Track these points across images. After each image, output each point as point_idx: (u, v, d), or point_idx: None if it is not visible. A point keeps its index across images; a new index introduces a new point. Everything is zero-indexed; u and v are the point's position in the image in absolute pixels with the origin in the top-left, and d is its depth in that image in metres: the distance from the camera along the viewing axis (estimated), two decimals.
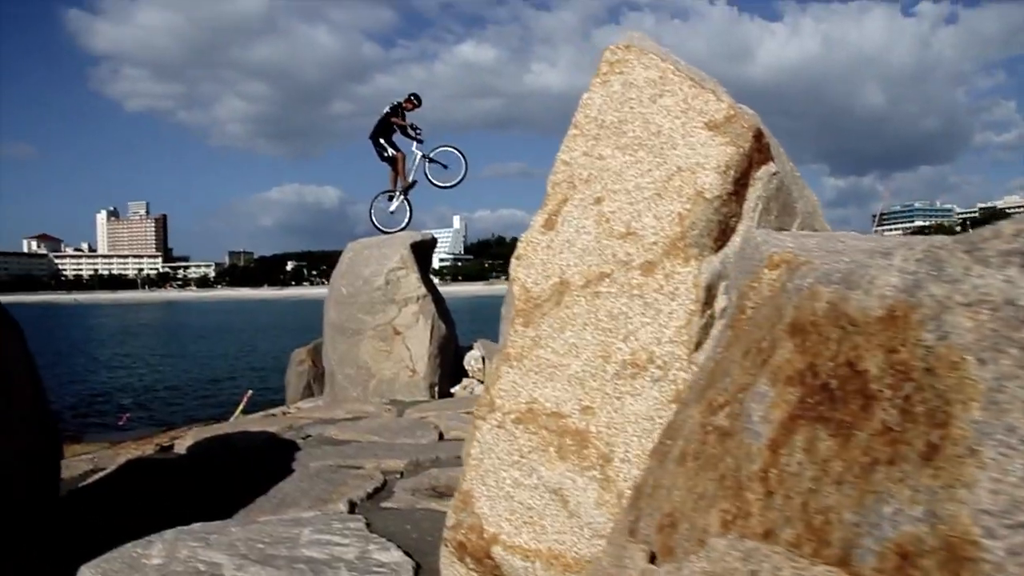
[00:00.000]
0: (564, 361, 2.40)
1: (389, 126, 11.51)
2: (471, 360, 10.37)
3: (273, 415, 9.20)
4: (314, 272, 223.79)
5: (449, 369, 10.05)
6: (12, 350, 3.66)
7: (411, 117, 11.66)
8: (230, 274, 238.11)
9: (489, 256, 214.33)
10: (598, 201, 2.48)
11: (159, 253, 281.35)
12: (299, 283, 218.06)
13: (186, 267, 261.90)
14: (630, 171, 2.45)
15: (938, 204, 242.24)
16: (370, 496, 4.81)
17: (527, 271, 2.62)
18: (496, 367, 2.61)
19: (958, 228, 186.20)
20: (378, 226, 11.63)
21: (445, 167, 11.55)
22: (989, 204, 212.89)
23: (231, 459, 5.90)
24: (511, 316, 2.60)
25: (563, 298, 2.45)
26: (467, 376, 10.29)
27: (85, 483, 5.63)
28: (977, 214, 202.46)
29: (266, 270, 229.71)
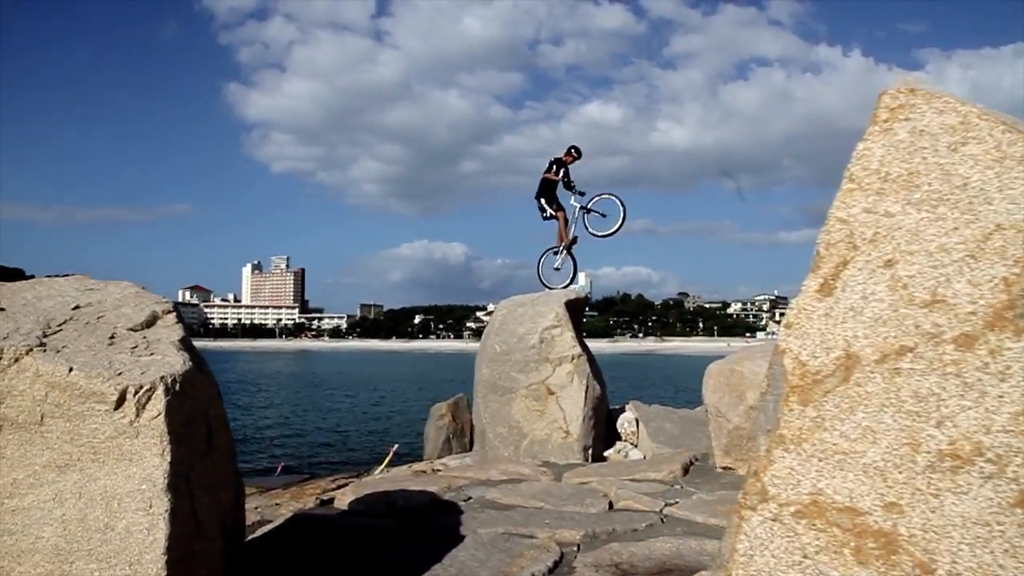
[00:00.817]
0: (857, 448, 2.07)
1: (550, 184, 11.46)
2: (624, 423, 9.99)
3: (424, 472, 9.13)
4: (440, 325, 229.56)
5: (602, 431, 9.71)
6: (218, 404, 3.70)
7: (573, 170, 11.65)
8: (360, 325, 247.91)
9: (614, 313, 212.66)
10: (889, 264, 2.17)
11: (296, 304, 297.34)
12: (426, 336, 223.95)
13: (320, 318, 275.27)
14: (929, 230, 2.13)
15: None
16: (550, 572, 4.54)
17: (801, 342, 2.33)
18: (768, 450, 2.30)
19: None
20: (544, 282, 11.67)
21: (603, 216, 11.29)
22: None
23: (396, 520, 5.80)
24: (782, 392, 2.30)
25: (851, 374, 2.14)
26: (620, 439, 9.90)
27: (255, 535, 5.66)
28: None
29: (394, 323, 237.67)
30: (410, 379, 58.49)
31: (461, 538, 5.17)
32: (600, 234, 11.31)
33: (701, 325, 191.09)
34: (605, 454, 9.57)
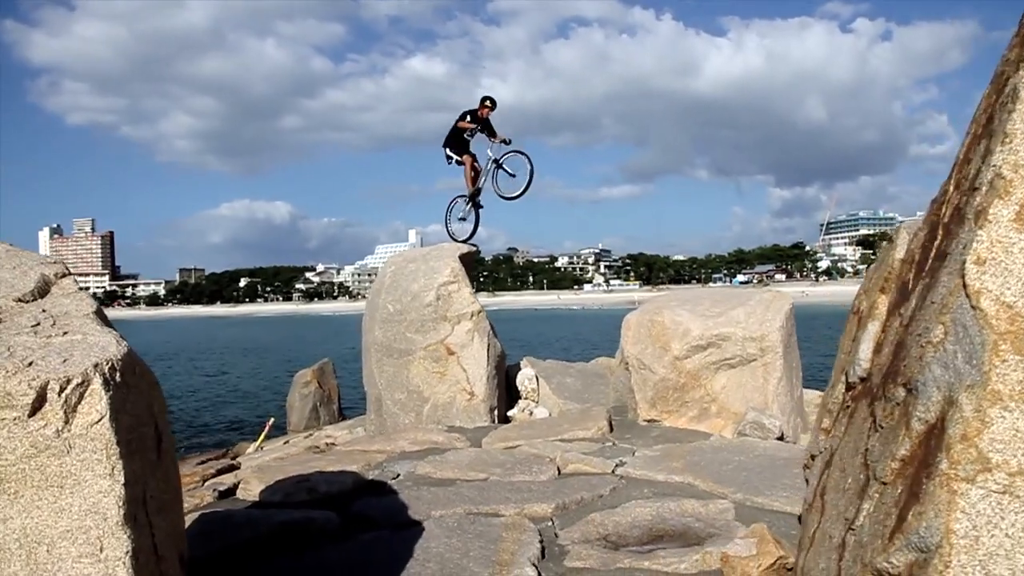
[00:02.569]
0: None
1: (459, 131, 10.52)
2: (524, 380, 9.56)
3: (320, 448, 8.25)
4: (268, 288, 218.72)
5: (504, 391, 9.25)
6: (159, 393, 2.79)
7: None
8: (181, 291, 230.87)
9: None
10: None
11: (106, 271, 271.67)
12: (252, 299, 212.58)
13: (135, 285, 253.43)
14: None
15: (881, 213, 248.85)
16: (542, 553, 4.02)
17: (1002, 279, 1.90)
18: (979, 409, 1.86)
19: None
20: (449, 232, 10.81)
21: (512, 176, 10.19)
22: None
23: (328, 509, 5.01)
24: (983, 341, 1.87)
25: None
26: (520, 398, 9.48)
27: None
28: None
29: (218, 287, 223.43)
30: (248, 344, 55.21)
31: (419, 525, 4.50)
32: (506, 195, 10.30)
33: (531, 279, 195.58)
34: (509, 414, 9.13)
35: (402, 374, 8.72)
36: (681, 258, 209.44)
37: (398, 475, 5.92)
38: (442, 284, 8.92)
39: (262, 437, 11.12)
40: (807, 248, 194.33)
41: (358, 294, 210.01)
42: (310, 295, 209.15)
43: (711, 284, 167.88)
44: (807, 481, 3.60)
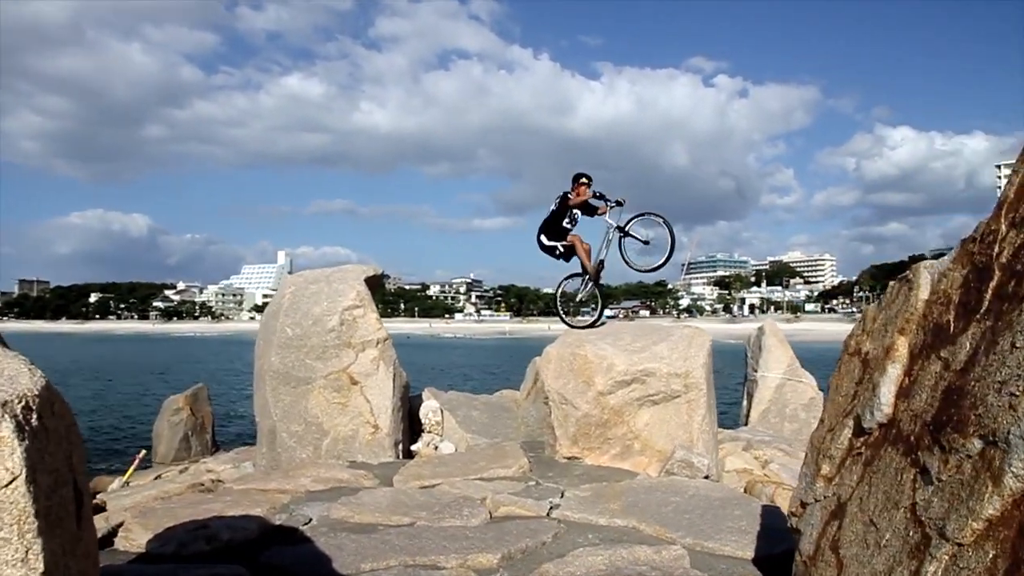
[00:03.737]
0: None
1: (557, 220, 8.47)
2: (428, 412, 9.05)
3: (204, 486, 7.38)
4: (121, 305, 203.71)
5: (407, 424, 8.71)
6: (77, 439, 2.19)
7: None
8: (20, 304, 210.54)
9: None
10: None
11: None
12: (104, 316, 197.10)
13: None
14: None
15: (736, 256, 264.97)
16: None
17: None
18: None
19: (752, 278, 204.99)
20: (564, 319, 8.79)
21: (646, 243, 8.20)
22: (776, 258, 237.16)
23: (239, 563, 4.35)
24: None
25: None
26: (424, 431, 8.96)
27: None
28: (768, 266, 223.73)
29: (64, 301, 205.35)
30: (99, 365, 50.76)
31: None
32: (644, 268, 8.48)
33: (403, 306, 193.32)
34: (412, 448, 8.58)
35: (300, 404, 8.01)
36: (550, 291, 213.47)
37: (310, 519, 5.28)
38: (347, 308, 8.32)
39: (131, 471, 9.94)
40: (670, 286, 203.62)
41: (222, 315, 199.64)
42: (169, 314, 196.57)
43: (579, 318, 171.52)
44: (796, 529, 3.38)
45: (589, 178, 8.43)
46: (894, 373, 2.77)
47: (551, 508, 5.42)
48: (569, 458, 7.13)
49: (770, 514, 5.28)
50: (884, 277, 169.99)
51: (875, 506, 2.63)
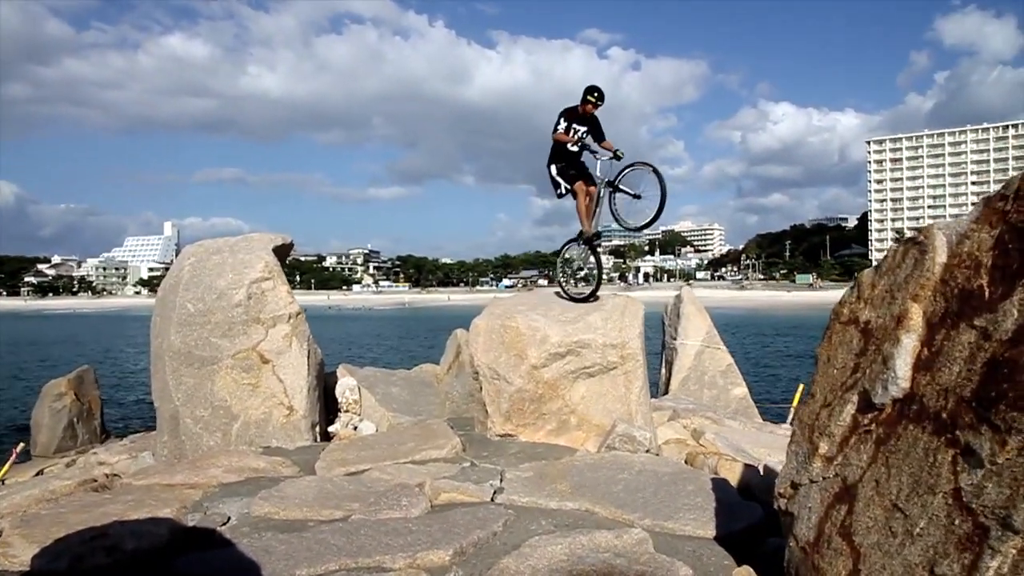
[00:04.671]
0: None
1: (562, 147, 7.53)
2: (344, 390, 8.51)
3: (98, 482, 6.60)
4: None
5: (323, 403, 8.16)
6: None
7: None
8: None
9: None
10: None
11: None
12: None
13: None
14: None
15: None
16: None
17: None
18: None
19: (646, 247, 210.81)
20: (570, 294, 7.79)
21: (636, 197, 7.13)
22: (669, 227, 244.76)
23: None
24: None
25: None
26: (341, 411, 8.42)
27: None
28: (660, 235, 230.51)
29: None
30: None
31: None
32: (632, 225, 7.44)
33: (298, 278, 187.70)
34: (330, 430, 8.05)
35: (205, 386, 7.31)
36: (449, 261, 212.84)
37: (228, 518, 4.73)
38: (254, 281, 7.64)
39: (6, 468, 8.92)
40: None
41: (104, 290, 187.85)
42: (44, 289, 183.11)
43: (478, 288, 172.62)
44: (786, 512, 3.16)
45: (601, 94, 7.42)
46: (909, 343, 2.55)
47: (495, 492, 5.08)
48: (503, 435, 6.80)
49: (721, 488, 5.14)
50: (768, 246, 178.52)
51: (899, 490, 2.40)
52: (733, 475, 5.73)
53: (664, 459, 6.02)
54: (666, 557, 3.88)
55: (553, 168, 7.62)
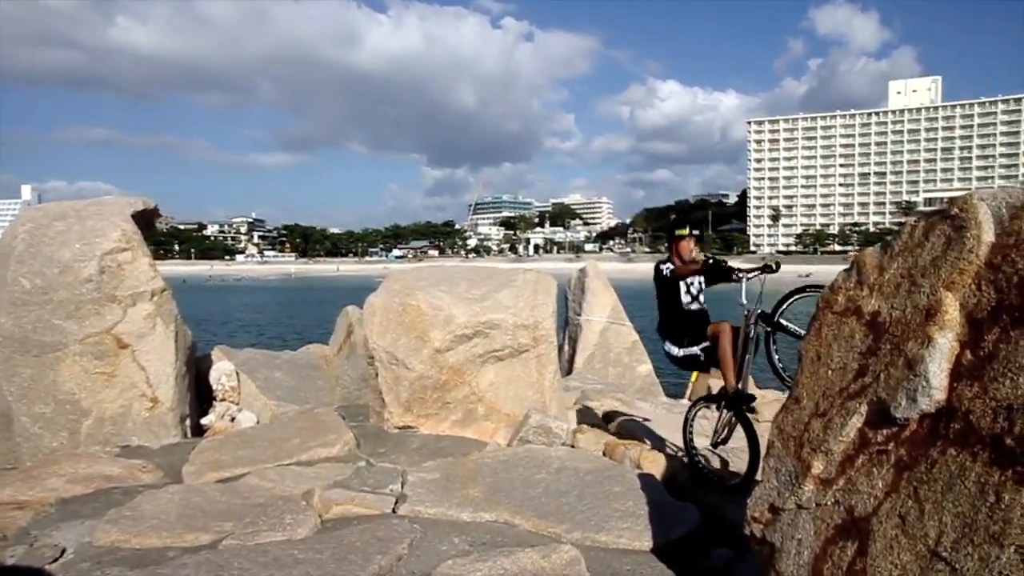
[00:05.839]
0: None
1: (671, 300, 5.28)
2: (220, 376, 7.50)
3: None
4: None
5: (195, 392, 7.15)
6: None
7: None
8: None
9: None
10: None
11: None
12: None
13: None
14: None
15: (520, 197, 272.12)
16: None
17: None
18: None
19: (536, 219, 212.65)
20: (699, 464, 5.15)
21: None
22: (559, 200, 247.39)
23: None
24: None
25: None
26: (216, 400, 7.43)
27: None
28: (550, 208, 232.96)
29: None
30: None
31: None
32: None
33: (177, 247, 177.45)
34: (203, 422, 7.06)
35: (46, 377, 6.17)
36: (338, 231, 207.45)
37: (63, 551, 3.80)
38: (108, 252, 6.51)
39: None
40: (457, 226, 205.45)
41: None
42: None
43: (367, 258, 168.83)
44: (761, 540, 2.62)
45: (692, 227, 5.48)
46: (945, 345, 2.02)
47: (397, 501, 4.37)
48: (402, 427, 6.07)
49: (650, 486, 4.63)
50: (654, 220, 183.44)
51: (940, 534, 1.87)
52: (657, 468, 5.25)
53: (583, 453, 5.47)
54: None
55: (672, 347, 5.32)
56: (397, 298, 6.31)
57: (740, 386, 4.87)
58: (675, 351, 5.24)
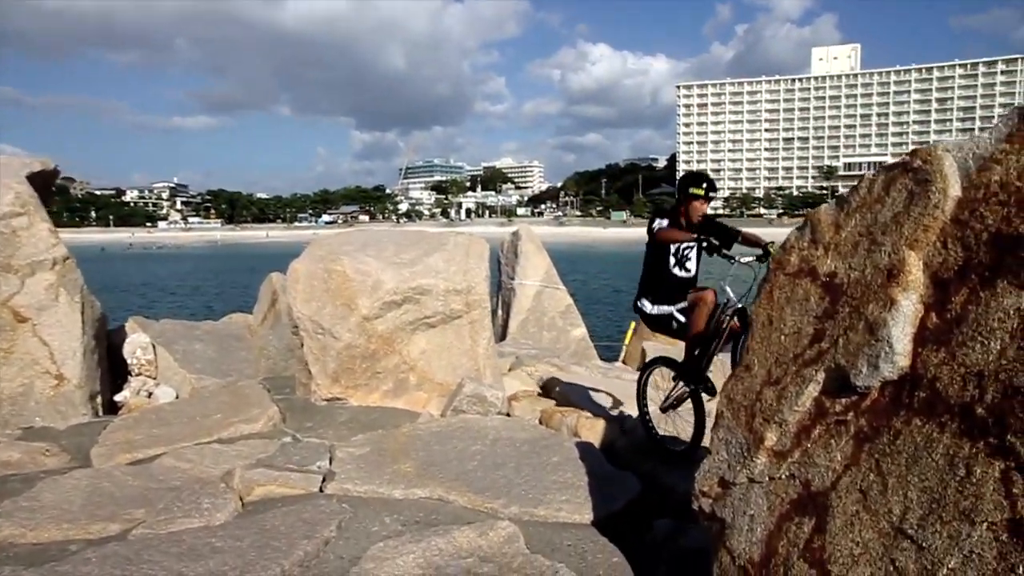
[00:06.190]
0: None
1: (660, 255, 4.82)
2: (135, 350, 7.05)
3: None
4: None
5: (107, 366, 6.69)
6: None
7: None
8: None
9: None
10: None
11: None
12: None
13: None
14: None
15: (452, 161, 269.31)
16: None
17: None
18: None
19: (468, 183, 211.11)
20: (661, 445, 4.84)
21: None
22: (490, 164, 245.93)
23: None
24: None
25: None
26: (131, 374, 6.98)
27: None
28: (482, 172, 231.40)
29: None
30: None
31: None
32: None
33: (94, 215, 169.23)
34: (117, 399, 6.63)
35: None
36: (265, 196, 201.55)
37: None
38: (1, 217, 5.98)
39: None
40: (388, 191, 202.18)
41: None
42: None
43: (297, 224, 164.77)
44: (711, 516, 2.49)
45: (711, 184, 4.82)
46: (908, 307, 1.88)
47: (323, 480, 4.12)
48: (330, 399, 5.79)
49: (588, 454, 4.51)
50: (585, 184, 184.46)
51: (905, 510, 1.75)
52: (595, 435, 5.15)
53: (519, 422, 5.31)
54: (544, 559, 3.16)
55: (645, 302, 4.96)
56: (321, 264, 5.98)
57: (700, 365, 4.57)
58: (648, 307, 4.87)
